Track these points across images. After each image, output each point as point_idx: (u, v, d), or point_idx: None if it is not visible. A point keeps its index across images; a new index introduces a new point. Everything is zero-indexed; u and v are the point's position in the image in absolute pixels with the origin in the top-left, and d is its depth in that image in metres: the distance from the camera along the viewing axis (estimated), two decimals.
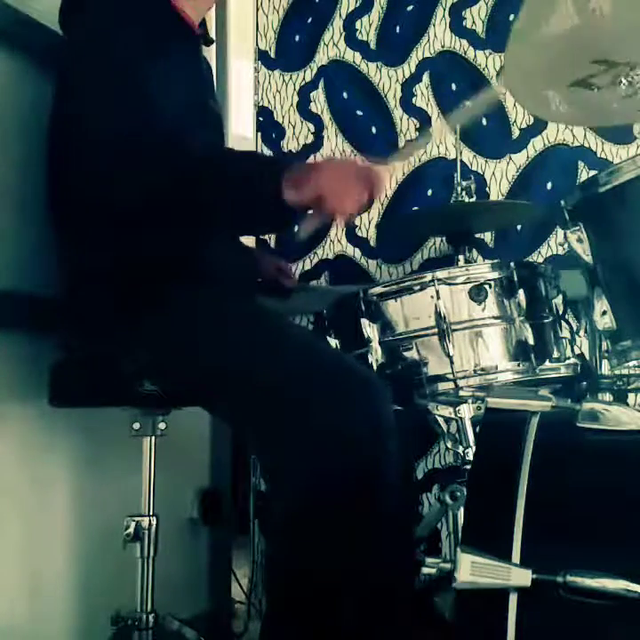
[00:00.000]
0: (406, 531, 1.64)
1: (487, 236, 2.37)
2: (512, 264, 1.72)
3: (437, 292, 1.68)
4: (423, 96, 2.48)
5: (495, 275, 1.72)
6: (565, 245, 1.57)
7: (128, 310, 1.53)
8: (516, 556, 0.98)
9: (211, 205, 1.47)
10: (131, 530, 1.61)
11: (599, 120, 1.89)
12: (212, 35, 2.68)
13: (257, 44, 2.69)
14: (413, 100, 2.49)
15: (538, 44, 1.43)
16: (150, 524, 1.62)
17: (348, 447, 1.37)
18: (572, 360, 1.74)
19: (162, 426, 1.65)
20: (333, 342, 1.83)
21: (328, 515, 1.36)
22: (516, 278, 1.70)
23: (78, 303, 1.59)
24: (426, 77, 2.48)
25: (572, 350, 1.77)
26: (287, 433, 1.40)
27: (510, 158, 2.37)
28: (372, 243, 2.51)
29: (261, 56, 2.69)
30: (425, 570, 1.12)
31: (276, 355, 1.47)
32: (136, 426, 1.64)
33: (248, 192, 1.44)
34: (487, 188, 2.38)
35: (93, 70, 1.50)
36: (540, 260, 2.29)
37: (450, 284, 1.69)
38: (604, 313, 1.51)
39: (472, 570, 0.97)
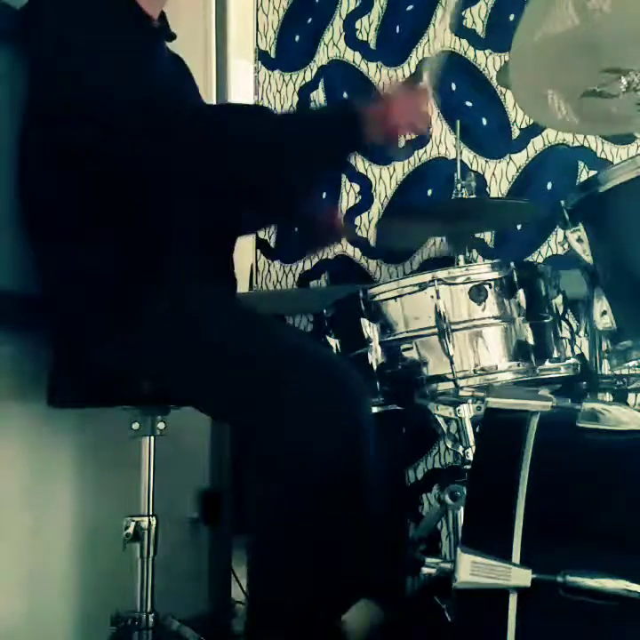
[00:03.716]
0: (394, 529, 1.64)
1: (487, 236, 2.37)
2: (512, 264, 1.72)
3: (437, 291, 1.68)
4: None
5: (495, 275, 1.71)
6: (565, 245, 1.57)
7: (117, 311, 1.53)
8: (516, 556, 0.98)
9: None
10: (131, 530, 1.61)
11: (613, 129, 1.88)
12: (212, 35, 2.69)
13: (257, 44, 2.69)
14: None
15: (540, 48, 1.43)
16: (150, 524, 1.63)
17: (325, 446, 1.38)
18: (572, 360, 1.74)
19: (161, 426, 1.65)
20: (333, 342, 1.83)
21: (309, 511, 1.37)
22: (515, 278, 1.70)
23: (68, 305, 1.59)
24: (426, 77, 2.48)
25: (572, 350, 1.77)
26: (264, 430, 1.42)
27: (510, 158, 2.37)
28: (372, 243, 2.51)
29: (261, 56, 2.69)
30: (425, 570, 1.11)
31: (262, 353, 1.48)
32: (135, 426, 1.64)
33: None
34: (487, 188, 2.38)
35: (55, 68, 1.53)
36: (540, 260, 2.29)
37: (450, 284, 1.69)
38: (604, 313, 1.51)
39: (472, 570, 0.97)
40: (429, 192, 2.44)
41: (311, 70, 2.61)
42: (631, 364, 1.59)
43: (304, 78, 2.62)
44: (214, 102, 2.66)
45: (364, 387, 1.49)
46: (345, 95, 2.57)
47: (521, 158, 2.36)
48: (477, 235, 2.33)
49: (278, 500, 1.40)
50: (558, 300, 1.78)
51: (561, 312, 1.78)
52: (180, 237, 1.60)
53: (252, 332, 1.54)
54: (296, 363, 1.47)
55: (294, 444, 1.38)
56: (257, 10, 2.70)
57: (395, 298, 1.75)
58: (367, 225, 2.51)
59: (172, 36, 1.82)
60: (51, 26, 1.56)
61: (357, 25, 2.57)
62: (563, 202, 1.57)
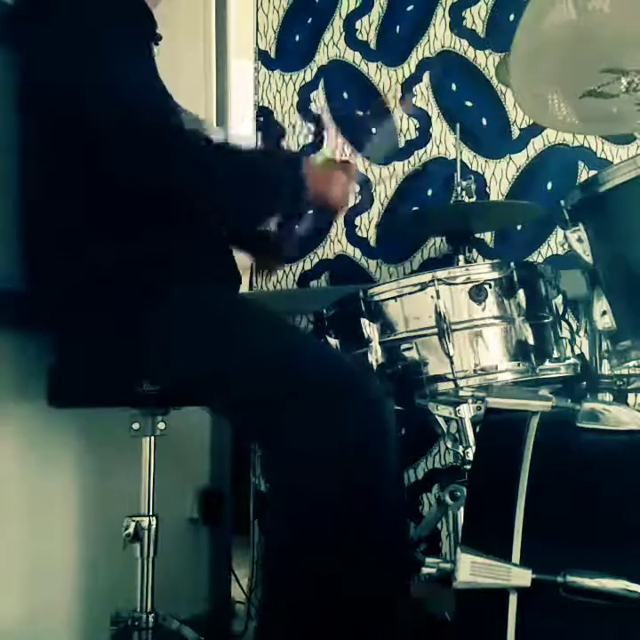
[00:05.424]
0: (401, 529, 1.64)
1: (487, 236, 2.37)
2: (512, 264, 1.72)
3: (437, 291, 1.68)
4: (423, 96, 2.48)
5: (495, 275, 1.72)
6: (565, 245, 1.57)
7: (122, 310, 1.52)
8: (516, 556, 0.98)
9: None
10: (131, 530, 1.61)
11: (613, 129, 1.88)
12: (212, 35, 2.69)
13: (257, 44, 2.69)
14: (413, 100, 2.49)
15: (540, 48, 1.43)
16: (150, 524, 1.63)
17: (347, 446, 1.37)
18: (572, 360, 1.74)
19: (161, 426, 1.65)
20: (333, 342, 1.83)
21: (325, 514, 1.36)
22: (516, 278, 1.70)
23: (70, 304, 1.59)
24: (426, 77, 2.48)
25: (572, 350, 1.77)
26: (287, 431, 1.41)
27: (510, 158, 2.37)
28: (372, 243, 2.51)
29: (261, 56, 2.69)
30: (425, 570, 1.11)
31: (280, 354, 1.47)
32: (135, 426, 1.64)
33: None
34: (487, 188, 2.38)
35: (69, 61, 1.50)
36: (540, 260, 2.29)
37: (450, 284, 1.69)
38: (604, 313, 1.51)
39: (472, 570, 0.97)
40: (429, 192, 2.44)
41: (311, 70, 2.61)
42: (631, 364, 1.60)
43: (304, 78, 2.63)
44: (214, 102, 2.66)
45: (383, 388, 1.49)
46: (345, 95, 2.57)
47: (521, 158, 2.36)
48: (477, 235, 2.33)
49: (300, 507, 1.39)
50: (558, 300, 1.78)
51: (561, 312, 1.78)
52: (187, 235, 1.59)
53: (279, 332, 1.54)
54: (325, 361, 1.48)
55: (313, 448, 1.38)
56: (257, 10, 2.70)
57: (395, 298, 1.75)
58: (367, 225, 2.51)
59: (159, 38, 1.77)
60: (50, 19, 1.53)
61: (357, 25, 2.57)
62: (563, 202, 1.57)
